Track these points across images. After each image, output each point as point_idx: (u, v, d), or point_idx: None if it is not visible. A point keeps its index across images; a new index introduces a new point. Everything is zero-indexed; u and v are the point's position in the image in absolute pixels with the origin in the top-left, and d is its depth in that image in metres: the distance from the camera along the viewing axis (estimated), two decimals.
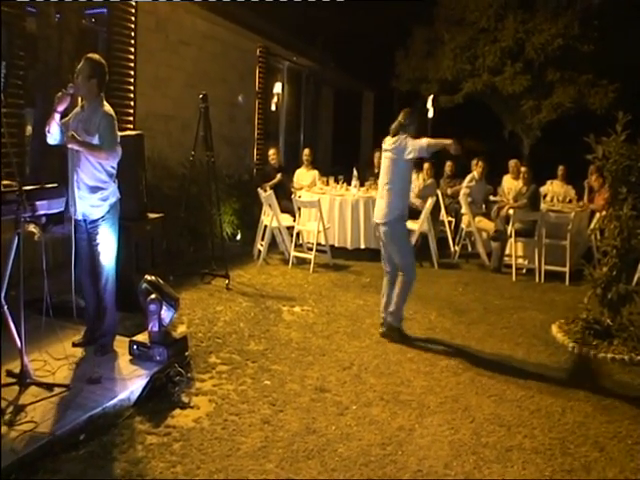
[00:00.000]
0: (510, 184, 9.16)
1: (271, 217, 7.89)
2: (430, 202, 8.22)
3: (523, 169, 8.64)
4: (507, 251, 8.16)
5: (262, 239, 8.12)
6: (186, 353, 4.47)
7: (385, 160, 5.25)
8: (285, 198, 8.48)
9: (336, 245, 8.21)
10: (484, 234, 8.66)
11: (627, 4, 12.33)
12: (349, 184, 9.04)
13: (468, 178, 9.22)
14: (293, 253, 7.93)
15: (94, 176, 4.25)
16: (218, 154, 7.26)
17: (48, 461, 3.08)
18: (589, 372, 4.83)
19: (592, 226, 8.08)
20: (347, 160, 12.08)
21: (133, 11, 7.74)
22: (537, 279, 7.75)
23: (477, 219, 8.73)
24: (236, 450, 3.34)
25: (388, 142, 5.22)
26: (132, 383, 3.89)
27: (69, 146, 4.11)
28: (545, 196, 9.71)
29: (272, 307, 6.05)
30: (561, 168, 10.24)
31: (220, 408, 3.82)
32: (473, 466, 3.32)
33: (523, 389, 4.39)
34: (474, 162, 9.38)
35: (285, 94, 13.05)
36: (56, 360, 4.18)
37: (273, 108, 12.64)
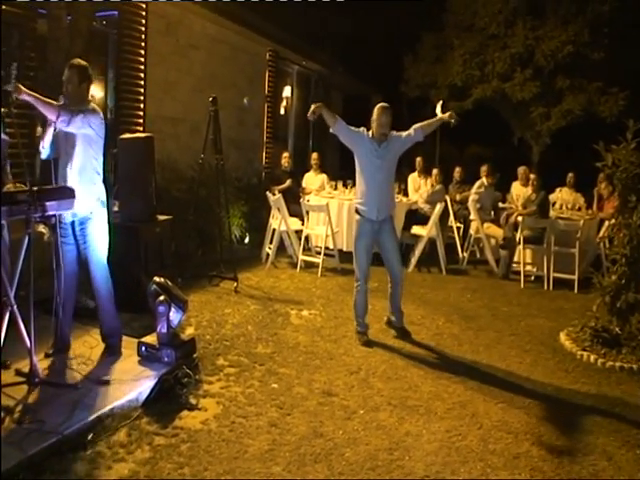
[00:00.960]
0: (519, 191, 9.13)
1: (279, 221, 7.90)
2: (439, 208, 8.21)
3: (532, 176, 8.62)
4: (516, 258, 8.14)
5: (270, 242, 8.13)
6: (194, 355, 4.48)
7: (381, 162, 5.19)
8: (294, 202, 8.49)
9: (344, 249, 8.19)
10: (493, 241, 8.64)
11: (638, 11, 12.28)
12: None
13: (477, 184, 9.20)
14: (301, 257, 7.94)
15: (85, 173, 4.25)
16: (227, 157, 7.28)
17: (55, 461, 3.08)
18: (597, 380, 4.79)
19: (601, 234, 8.06)
20: (355, 165, 12.03)
21: (143, 14, 7.77)
22: (545, 286, 7.73)
23: (486, 225, 8.71)
24: (243, 452, 3.34)
25: (379, 151, 5.17)
26: (140, 384, 3.90)
27: (24, 98, 3.88)
28: (554, 204, 9.68)
29: (280, 310, 6.05)
30: (570, 175, 10.20)
31: (228, 410, 3.82)
32: (480, 473, 3.31)
33: (531, 396, 4.37)
34: (483, 168, 9.37)
35: (294, 98, 13.08)
36: (64, 360, 4.20)
37: (282, 112, 12.67)
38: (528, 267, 8.08)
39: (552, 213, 8.63)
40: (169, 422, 3.61)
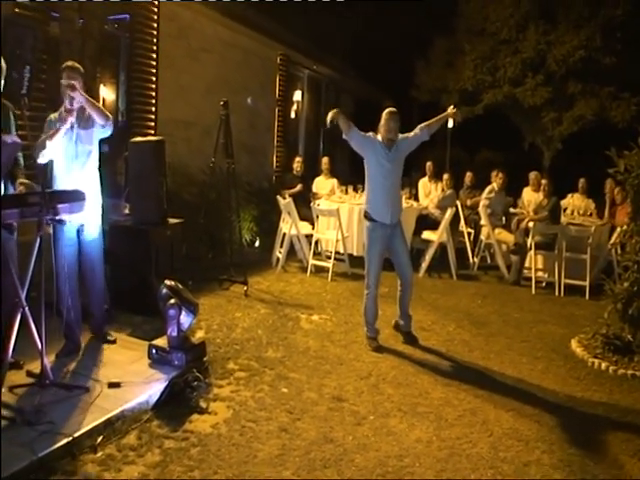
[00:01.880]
0: (530, 196, 9.09)
1: (290, 225, 7.90)
2: (449, 213, 8.19)
3: (544, 181, 8.58)
4: (527, 264, 8.09)
5: (281, 246, 8.14)
6: (204, 359, 4.48)
7: (391, 165, 5.20)
8: (304, 206, 8.49)
9: (354, 254, 8.18)
10: (504, 246, 8.60)
11: None
12: None
13: (488, 189, 9.16)
14: (311, 261, 7.94)
15: (96, 176, 4.42)
16: (238, 161, 7.29)
17: (66, 462, 3.10)
18: (609, 388, 4.75)
19: (613, 240, 8.00)
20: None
21: (155, 17, 7.80)
22: (557, 293, 7.68)
23: (497, 231, 8.68)
24: (253, 457, 3.34)
25: (390, 155, 5.18)
26: (150, 387, 3.91)
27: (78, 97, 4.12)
28: (565, 209, 9.64)
29: (290, 315, 6.05)
30: (582, 181, 10.15)
31: (238, 414, 3.82)
32: None
33: (542, 404, 4.35)
34: (494, 173, 9.33)
35: (305, 102, 13.10)
36: (75, 362, 4.21)
37: (293, 116, 12.70)
38: (539, 273, 8.04)
39: (563, 219, 8.59)
40: (179, 425, 3.61)
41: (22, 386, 3.69)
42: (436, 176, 10.02)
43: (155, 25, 7.81)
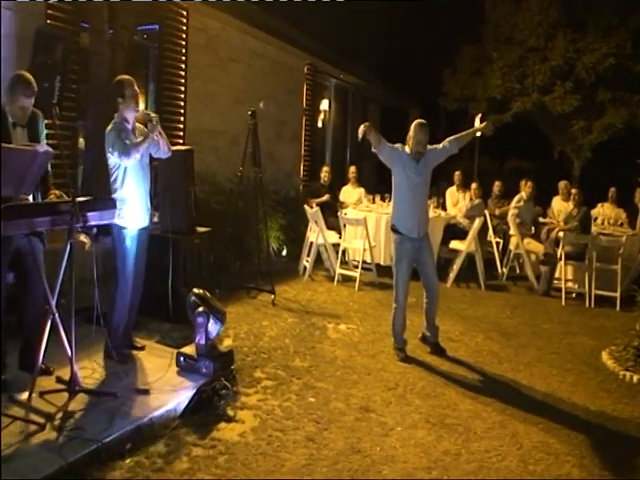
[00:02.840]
0: (560, 206, 8.98)
1: (317, 234, 7.90)
2: (477, 222, 8.12)
3: (574, 191, 8.47)
4: (557, 274, 7.99)
5: (308, 255, 8.14)
6: (232, 367, 4.48)
7: (419, 178, 5.13)
8: (331, 215, 8.48)
9: (382, 264, 8.14)
10: (533, 256, 8.51)
11: None
12: None
13: (516, 199, 9.08)
14: (338, 270, 7.92)
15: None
16: (265, 170, 7.32)
17: (95, 468, 3.12)
18: None
19: None
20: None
21: (184, 28, 7.90)
22: (587, 304, 7.57)
23: (526, 241, 8.58)
24: (280, 466, 3.32)
25: (418, 167, 5.10)
26: (179, 394, 3.92)
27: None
28: (596, 219, 9.50)
29: (317, 324, 6.04)
30: (612, 190, 10.00)
31: (265, 423, 3.81)
32: None
33: (572, 417, 4.28)
34: (523, 182, 9.25)
35: (332, 111, 13.13)
36: (104, 368, 4.26)
37: (320, 125, 12.73)
38: (569, 284, 7.92)
39: (594, 229, 8.46)
40: (207, 433, 3.62)
41: (52, 392, 3.72)
42: (464, 185, 9.95)
43: (184, 35, 7.90)
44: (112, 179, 4.37)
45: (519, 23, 13.85)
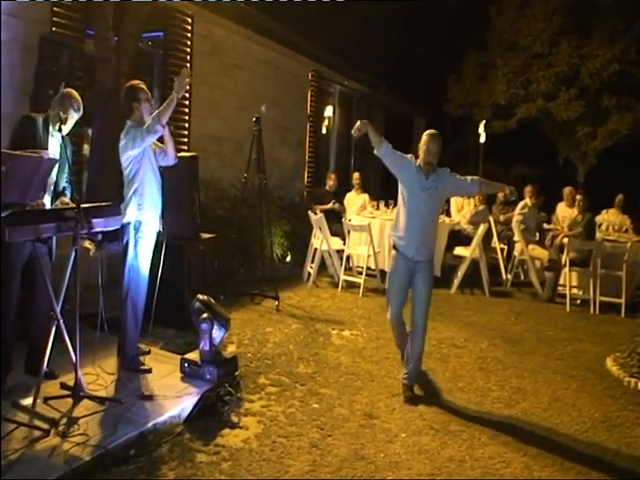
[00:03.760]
0: (564, 212, 8.96)
1: (321, 240, 7.90)
2: (482, 228, 8.11)
3: (578, 197, 8.46)
4: (561, 281, 7.97)
5: (312, 262, 8.14)
6: (236, 373, 4.48)
7: (426, 195, 4.56)
8: (335, 221, 8.49)
9: (386, 270, 8.10)
10: (538, 262, 8.49)
11: None
12: None
13: (521, 205, 9.06)
14: (343, 276, 7.92)
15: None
16: (269, 176, 7.33)
17: (99, 474, 3.12)
18: None
19: None
20: (397, 185, 11.95)
21: (189, 35, 7.95)
22: (592, 310, 7.55)
23: (530, 247, 8.57)
24: (284, 473, 3.32)
25: (426, 183, 4.56)
26: (183, 400, 3.92)
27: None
28: (600, 225, 9.48)
29: (321, 330, 6.04)
30: (619, 197, 9.98)
31: (269, 429, 3.81)
32: None
33: (577, 423, 4.26)
34: (527, 189, 9.23)
35: (336, 117, 13.15)
36: (108, 374, 4.26)
37: (324, 131, 12.75)
38: (574, 290, 7.90)
39: (598, 235, 8.44)
40: (211, 439, 3.62)
41: (56, 398, 3.72)
42: None
43: (189, 42, 7.95)
44: (127, 172, 4.40)
45: (524, 29, 13.90)
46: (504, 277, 8.99)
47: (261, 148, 6.83)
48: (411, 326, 4.64)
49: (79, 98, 4.16)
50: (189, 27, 7.93)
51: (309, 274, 8.14)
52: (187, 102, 7.94)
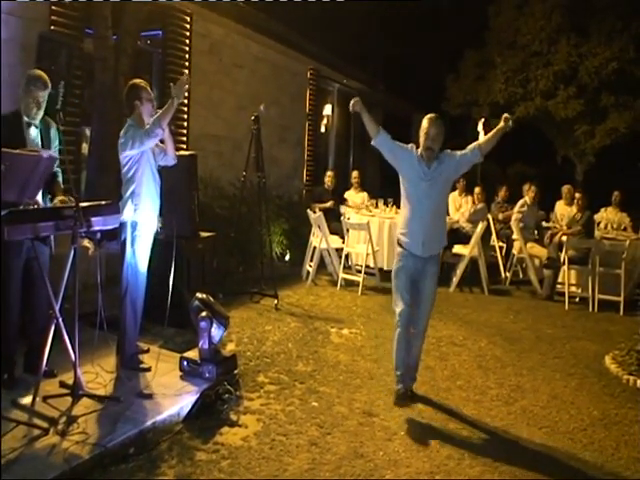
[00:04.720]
0: (563, 210, 8.96)
1: (320, 238, 7.91)
2: (481, 227, 8.12)
3: (577, 195, 8.46)
4: (560, 279, 7.98)
5: (311, 260, 8.14)
6: (235, 371, 4.49)
7: (429, 186, 4.30)
8: (334, 220, 8.49)
9: (385, 268, 8.14)
10: (536, 261, 8.50)
11: None
12: (398, 207, 8.96)
13: (520, 203, 9.07)
14: (342, 275, 7.93)
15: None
16: (268, 175, 7.33)
17: (98, 472, 3.13)
18: None
19: None
20: (396, 183, 11.98)
21: (188, 34, 7.94)
22: (590, 308, 7.55)
23: (529, 245, 8.58)
24: (283, 471, 3.32)
25: (428, 173, 4.30)
26: (182, 399, 3.93)
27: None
28: (599, 223, 9.48)
29: (320, 328, 6.04)
30: (616, 194, 9.96)
31: (268, 428, 3.81)
32: None
33: (575, 421, 4.27)
34: (526, 187, 9.23)
35: (335, 116, 13.15)
36: (108, 373, 4.26)
37: (323, 130, 12.74)
38: (573, 288, 7.91)
39: (597, 233, 8.44)
40: (210, 438, 3.62)
41: (55, 397, 3.73)
42: (467, 190, 9.93)
43: (187, 41, 7.94)
44: (125, 171, 4.38)
45: (522, 28, 13.87)
46: (503, 275, 9.00)
47: (260, 147, 6.83)
48: (413, 326, 4.43)
49: (41, 74, 4.06)
50: (188, 26, 7.92)
51: (308, 272, 8.15)
52: (186, 101, 7.92)
